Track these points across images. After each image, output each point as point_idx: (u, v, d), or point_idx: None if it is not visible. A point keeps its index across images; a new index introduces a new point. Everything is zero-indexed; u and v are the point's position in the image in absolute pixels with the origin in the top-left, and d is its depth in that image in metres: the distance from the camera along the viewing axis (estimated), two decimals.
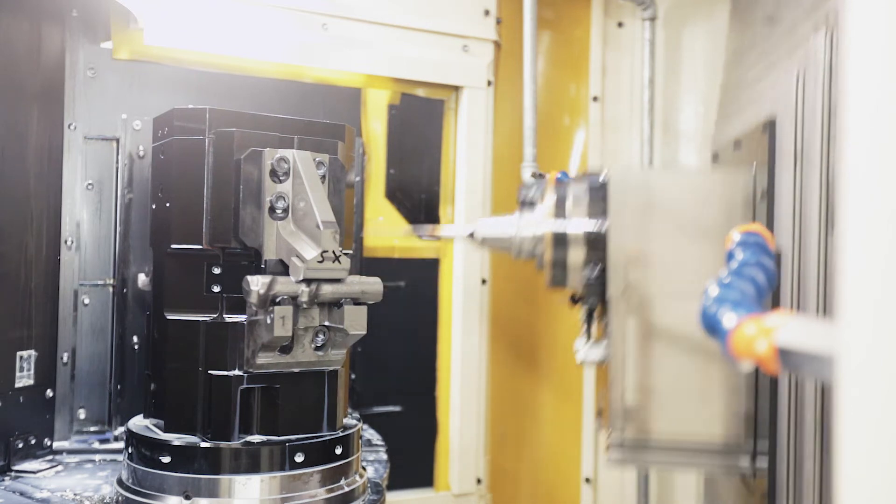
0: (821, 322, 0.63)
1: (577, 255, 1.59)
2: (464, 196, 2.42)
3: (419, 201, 2.42)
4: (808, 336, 0.61)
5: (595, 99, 2.80)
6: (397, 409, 2.38)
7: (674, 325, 1.58)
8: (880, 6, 0.52)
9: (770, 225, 1.57)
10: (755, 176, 1.67)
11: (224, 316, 1.50)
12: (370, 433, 2.15)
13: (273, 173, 1.49)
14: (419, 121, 2.42)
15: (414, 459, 2.39)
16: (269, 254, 1.49)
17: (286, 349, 1.49)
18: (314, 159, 1.53)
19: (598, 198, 1.58)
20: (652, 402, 1.61)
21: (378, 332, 2.08)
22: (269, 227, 1.49)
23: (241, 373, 1.48)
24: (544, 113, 2.71)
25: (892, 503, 0.49)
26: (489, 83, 2.44)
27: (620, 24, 2.83)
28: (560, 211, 1.59)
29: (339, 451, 1.55)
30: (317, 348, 1.52)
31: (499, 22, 2.48)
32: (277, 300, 1.42)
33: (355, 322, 1.49)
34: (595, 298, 1.63)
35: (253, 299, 1.43)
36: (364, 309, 1.51)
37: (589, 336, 1.77)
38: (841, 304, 0.53)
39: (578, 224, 1.59)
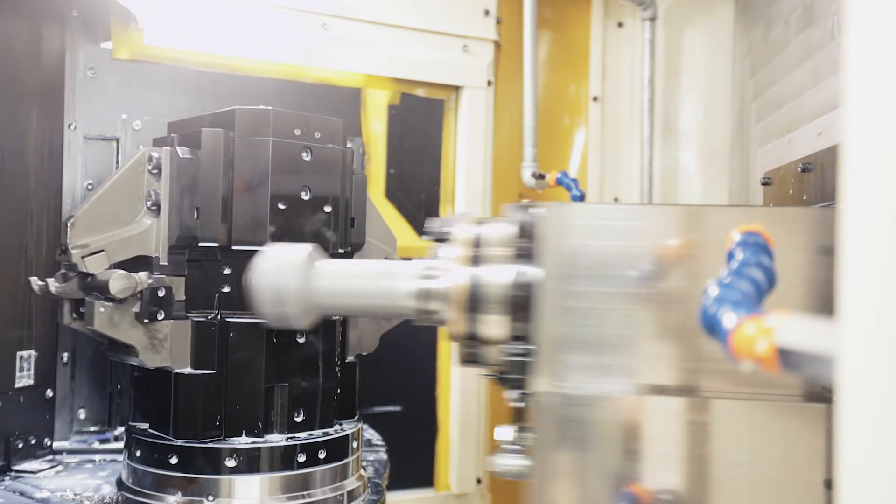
0: (821, 322, 0.62)
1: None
2: (464, 196, 2.42)
3: (419, 201, 2.42)
4: (808, 336, 0.61)
5: (595, 99, 2.80)
6: (397, 409, 2.38)
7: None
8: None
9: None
10: None
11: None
12: (370, 433, 2.15)
13: None
14: (419, 121, 2.41)
15: (414, 459, 2.39)
16: None
17: None
18: None
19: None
20: None
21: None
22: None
23: None
24: (544, 113, 2.71)
25: (893, 503, 0.49)
26: (489, 83, 2.44)
27: (620, 24, 2.83)
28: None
29: (339, 451, 1.55)
30: None
31: (499, 22, 2.48)
32: None
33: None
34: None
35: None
36: None
37: (520, 427, 1.26)
38: (842, 302, 0.53)
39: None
